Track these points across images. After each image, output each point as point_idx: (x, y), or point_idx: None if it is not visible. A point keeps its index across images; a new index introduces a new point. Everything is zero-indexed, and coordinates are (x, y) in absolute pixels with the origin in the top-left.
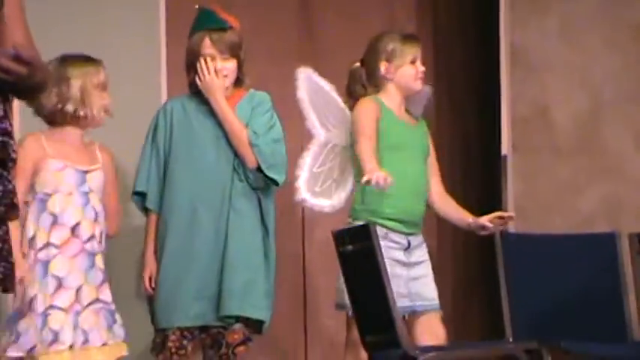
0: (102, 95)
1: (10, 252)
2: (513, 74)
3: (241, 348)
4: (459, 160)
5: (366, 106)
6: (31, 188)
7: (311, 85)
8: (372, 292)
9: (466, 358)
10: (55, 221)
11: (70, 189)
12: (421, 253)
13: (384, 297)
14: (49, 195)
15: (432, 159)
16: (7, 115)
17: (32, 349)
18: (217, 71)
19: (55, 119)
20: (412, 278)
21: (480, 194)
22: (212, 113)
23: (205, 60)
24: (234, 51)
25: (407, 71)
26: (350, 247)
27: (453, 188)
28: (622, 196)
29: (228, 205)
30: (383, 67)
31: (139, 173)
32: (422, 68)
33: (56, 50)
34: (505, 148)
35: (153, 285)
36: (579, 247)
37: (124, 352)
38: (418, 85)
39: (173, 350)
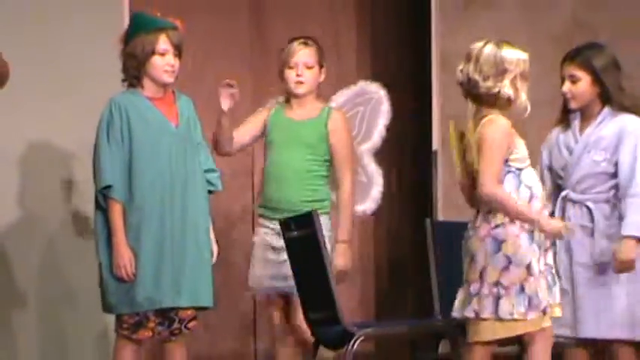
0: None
1: None
2: (443, 77)
3: (193, 323)
4: (395, 155)
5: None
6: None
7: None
8: (314, 273)
9: (400, 333)
10: (531, 195)
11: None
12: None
13: (325, 278)
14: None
15: (334, 154)
16: None
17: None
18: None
19: (489, 102)
20: (283, 261)
21: (414, 185)
22: (158, 106)
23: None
24: (181, 50)
25: (289, 74)
26: (295, 233)
27: (389, 179)
28: None
29: (187, 194)
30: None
31: (102, 168)
32: (302, 72)
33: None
34: (436, 144)
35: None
36: None
37: None
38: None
39: (151, 326)
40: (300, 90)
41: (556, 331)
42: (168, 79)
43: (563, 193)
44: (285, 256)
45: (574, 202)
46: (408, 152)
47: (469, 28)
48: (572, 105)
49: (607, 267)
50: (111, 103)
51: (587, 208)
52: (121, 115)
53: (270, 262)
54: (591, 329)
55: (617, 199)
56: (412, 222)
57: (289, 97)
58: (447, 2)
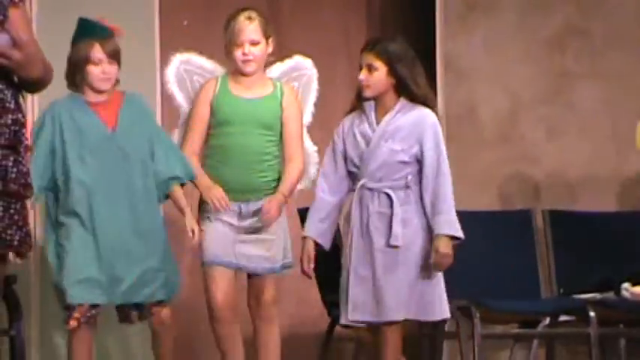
0: None
1: (25, 222)
2: (447, 79)
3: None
4: None
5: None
6: None
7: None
8: (331, 258)
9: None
10: None
11: None
12: (257, 220)
13: (338, 262)
14: None
15: (287, 129)
16: (19, 108)
17: None
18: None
19: None
20: (240, 241)
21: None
22: (99, 111)
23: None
24: (117, 56)
25: (236, 53)
26: None
27: None
28: (537, 179)
29: (126, 198)
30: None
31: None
32: (249, 50)
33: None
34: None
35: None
36: (501, 221)
37: None
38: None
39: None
40: (249, 69)
41: (359, 317)
42: (104, 86)
43: (361, 182)
44: (244, 236)
45: (372, 190)
46: None
47: (470, 32)
48: (367, 93)
49: (404, 252)
50: (47, 109)
51: (386, 194)
52: (53, 121)
53: (229, 239)
54: (392, 313)
55: (411, 185)
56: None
57: (236, 73)
58: (450, 8)
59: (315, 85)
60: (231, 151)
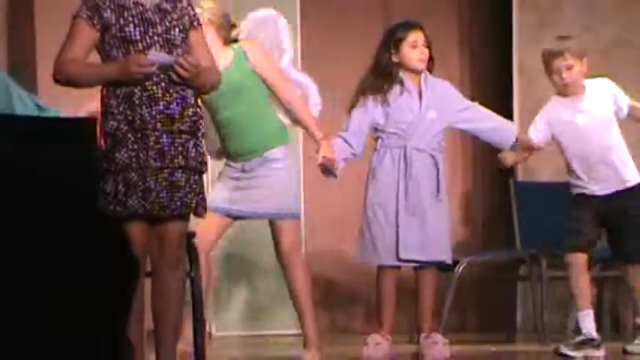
0: None
1: (201, 190)
2: (520, 82)
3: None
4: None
5: None
6: None
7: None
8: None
9: (494, 260)
10: None
11: None
12: (262, 170)
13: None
14: None
15: (268, 79)
16: (197, 104)
17: None
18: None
19: None
20: (240, 188)
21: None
22: None
23: None
24: None
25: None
26: None
27: (473, 151)
28: None
29: None
30: None
31: None
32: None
33: None
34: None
35: None
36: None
37: None
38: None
39: None
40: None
41: (411, 256)
42: None
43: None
44: (241, 183)
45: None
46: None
47: (540, 42)
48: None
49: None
50: None
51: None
52: None
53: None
54: (439, 254)
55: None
56: (494, 183)
57: None
58: (524, 23)
59: (282, 21)
60: (224, 126)
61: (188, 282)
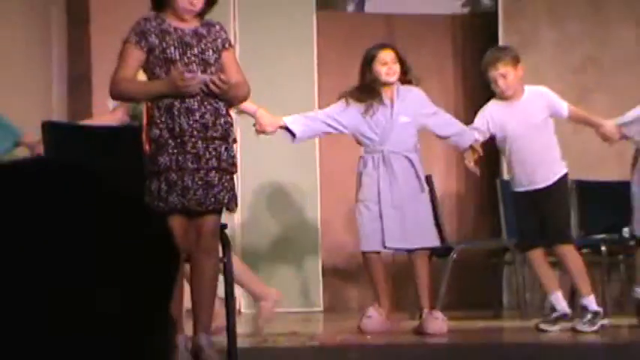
0: None
1: (233, 188)
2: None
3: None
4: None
5: None
6: None
7: None
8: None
9: (483, 247)
10: None
11: None
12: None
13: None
14: None
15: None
16: (228, 113)
17: None
18: None
19: None
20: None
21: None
22: None
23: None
24: None
25: None
26: None
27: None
28: None
29: None
30: None
31: None
32: None
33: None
34: None
35: None
36: None
37: None
38: None
39: None
40: None
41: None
42: None
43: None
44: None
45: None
46: None
47: (523, 61)
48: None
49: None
50: None
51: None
52: None
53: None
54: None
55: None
56: (483, 182)
57: None
58: (508, 43)
59: None
60: None
61: (221, 266)
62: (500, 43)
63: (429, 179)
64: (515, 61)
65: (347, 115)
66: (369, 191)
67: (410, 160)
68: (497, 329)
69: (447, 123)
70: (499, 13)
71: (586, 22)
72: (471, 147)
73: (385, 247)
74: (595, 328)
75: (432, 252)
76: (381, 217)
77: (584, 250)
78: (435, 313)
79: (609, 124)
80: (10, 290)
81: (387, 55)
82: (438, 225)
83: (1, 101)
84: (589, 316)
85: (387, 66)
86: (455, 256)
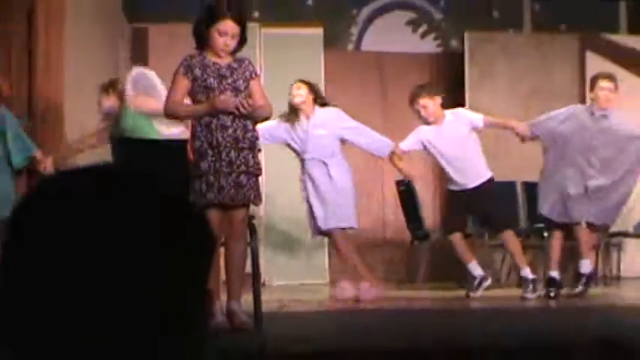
0: None
1: (258, 187)
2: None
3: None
4: None
5: None
6: None
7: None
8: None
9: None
10: None
11: None
12: None
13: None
14: None
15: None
16: (254, 129)
17: None
18: None
19: None
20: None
21: None
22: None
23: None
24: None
25: None
26: None
27: None
28: None
29: None
30: None
31: None
32: None
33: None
34: None
35: None
36: None
37: None
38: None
39: None
40: None
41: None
42: None
43: None
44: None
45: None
46: None
47: (482, 89)
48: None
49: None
50: None
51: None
52: None
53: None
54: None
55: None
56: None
57: None
58: (471, 74)
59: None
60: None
61: (249, 249)
62: (466, 75)
63: (409, 184)
64: (433, 93)
65: (278, 130)
66: (306, 187)
67: (326, 165)
68: (461, 298)
69: (360, 134)
70: (465, 52)
71: (532, 59)
72: (394, 154)
73: (319, 232)
74: (538, 293)
75: (414, 237)
76: (311, 207)
77: (531, 236)
78: (343, 283)
79: (522, 125)
80: (96, 287)
81: (293, 88)
82: (418, 217)
83: (73, 118)
84: (530, 285)
85: (298, 95)
86: (433, 240)
